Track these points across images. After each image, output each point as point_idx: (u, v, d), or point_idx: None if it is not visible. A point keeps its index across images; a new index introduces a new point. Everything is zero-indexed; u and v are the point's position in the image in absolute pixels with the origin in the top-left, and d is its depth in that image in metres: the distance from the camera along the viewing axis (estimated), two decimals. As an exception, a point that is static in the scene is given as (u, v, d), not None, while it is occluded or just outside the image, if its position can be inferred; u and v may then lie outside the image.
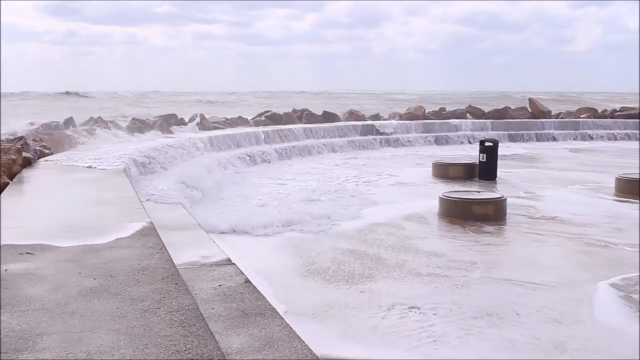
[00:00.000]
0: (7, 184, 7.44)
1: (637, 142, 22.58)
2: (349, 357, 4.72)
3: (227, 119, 19.72)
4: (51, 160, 10.14)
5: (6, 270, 3.96)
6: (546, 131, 23.89)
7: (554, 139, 23.51)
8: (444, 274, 6.80)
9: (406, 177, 14.10)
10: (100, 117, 15.15)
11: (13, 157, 8.63)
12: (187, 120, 18.17)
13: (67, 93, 64.08)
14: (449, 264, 7.19)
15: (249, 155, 16.09)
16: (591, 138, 23.80)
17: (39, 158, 10.14)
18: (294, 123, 20.51)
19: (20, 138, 10.65)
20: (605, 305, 5.88)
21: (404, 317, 5.52)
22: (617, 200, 11.37)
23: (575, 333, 5.22)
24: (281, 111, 21.89)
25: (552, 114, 26.06)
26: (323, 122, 21.11)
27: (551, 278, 6.70)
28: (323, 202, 10.80)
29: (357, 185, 12.93)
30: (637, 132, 24.03)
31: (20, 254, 4.36)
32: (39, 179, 8.25)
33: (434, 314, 5.59)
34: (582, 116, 25.81)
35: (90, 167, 9.33)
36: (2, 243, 4.60)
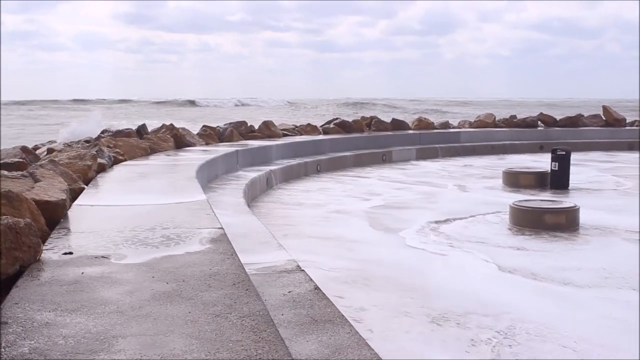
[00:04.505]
0: (82, 190, 7.64)
1: None
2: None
3: (296, 127, 19.79)
4: (125, 166, 10.39)
5: (82, 273, 4.07)
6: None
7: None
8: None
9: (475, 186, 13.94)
10: (172, 124, 15.39)
11: (88, 163, 8.85)
12: (256, 127, 18.28)
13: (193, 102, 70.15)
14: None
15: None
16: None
17: (113, 164, 10.37)
18: (362, 131, 20.47)
19: (95, 144, 10.94)
20: None
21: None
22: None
23: None
24: (350, 118, 21.88)
25: (627, 121, 25.37)
26: (392, 130, 21.04)
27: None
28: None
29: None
30: None
31: (96, 257, 4.47)
32: (112, 185, 8.45)
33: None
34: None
35: (162, 172, 9.52)
36: (77, 254, 4.72)
